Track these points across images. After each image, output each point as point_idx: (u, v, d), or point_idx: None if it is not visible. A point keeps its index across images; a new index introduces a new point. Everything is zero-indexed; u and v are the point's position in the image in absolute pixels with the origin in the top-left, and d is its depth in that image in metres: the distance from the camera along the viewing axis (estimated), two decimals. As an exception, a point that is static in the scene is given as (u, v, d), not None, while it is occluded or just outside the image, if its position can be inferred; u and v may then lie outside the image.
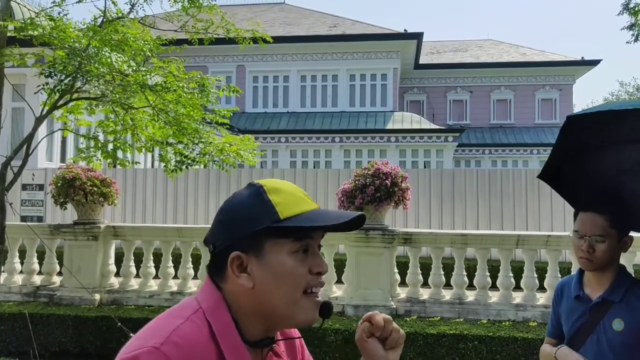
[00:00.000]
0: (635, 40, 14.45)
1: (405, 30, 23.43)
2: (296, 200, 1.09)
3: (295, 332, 1.28)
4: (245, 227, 1.06)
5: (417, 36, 22.96)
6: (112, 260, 7.36)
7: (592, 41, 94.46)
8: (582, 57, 26.20)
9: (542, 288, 6.64)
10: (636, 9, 13.89)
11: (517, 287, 6.66)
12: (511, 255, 6.74)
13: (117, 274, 7.44)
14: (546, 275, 6.48)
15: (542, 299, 6.48)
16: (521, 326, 6.05)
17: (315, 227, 1.06)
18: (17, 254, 7.50)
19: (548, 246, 6.49)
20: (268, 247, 1.06)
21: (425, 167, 20.74)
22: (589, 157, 2.22)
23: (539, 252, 8.10)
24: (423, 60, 26.83)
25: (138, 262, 7.30)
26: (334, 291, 6.90)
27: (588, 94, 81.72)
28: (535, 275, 6.51)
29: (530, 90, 26.90)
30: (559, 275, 6.30)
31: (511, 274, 6.56)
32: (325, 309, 1.12)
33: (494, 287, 6.70)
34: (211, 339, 1.03)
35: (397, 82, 24.29)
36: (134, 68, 5.42)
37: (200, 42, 6.78)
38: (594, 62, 26.10)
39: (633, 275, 2.21)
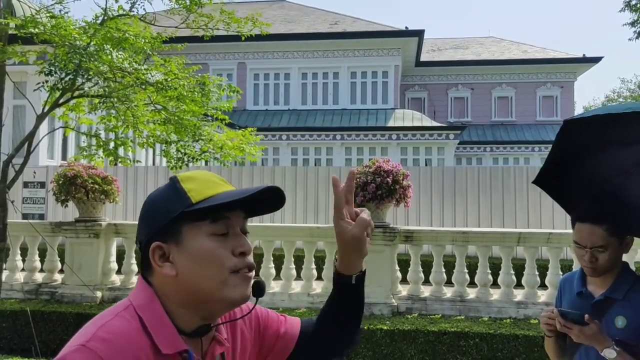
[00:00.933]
0: (638, 37, 14.42)
1: (406, 27, 23.41)
2: (210, 185, 1.10)
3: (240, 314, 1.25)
4: (162, 217, 1.08)
5: (418, 33, 22.92)
6: (113, 257, 7.37)
7: (593, 38, 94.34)
8: (584, 55, 26.16)
9: (543, 285, 6.64)
10: (638, 5, 13.85)
11: (519, 285, 6.65)
12: (512, 252, 6.74)
13: (119, 272, 7.45)
14: (547, 272, 6.47)
15: (544, 296, 6.48)
16: (522, 324, 6.05)
17: (224, 204, 1.06)
18: (19, 252, 7.52)
19: (549, 244, 6.49)
20: (185, 233, 1.07)
21: (426, 164, 20.73)
22: (587, 159, 2.20)
23: (540, 250, 8.10)
24: (424, 57, 26.80)
25: (139, 260, 7.30)
26: (335, 288, 6.89)
27: (589, 91, 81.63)
28: (537, 273, 6.50)
29: (532, 87, 26.86)
30: (560, 273, 6.30)
31: (512, 272, 6.56)
32: (257, 288, 1.13)
33: (495, 284, 6.70)
34: (143, 332, 1.03)
35: (398, 80, 24.27)
36: (134, 66, 5.42)
37: (201, 38, 6.78)
38: (596, 60, 26.06)
39: (636, 273, 2.21)
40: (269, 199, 1.13)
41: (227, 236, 1.08)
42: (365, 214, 1.28)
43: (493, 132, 26.12)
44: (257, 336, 1.29)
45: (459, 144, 23.04)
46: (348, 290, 1.32)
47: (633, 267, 6.25)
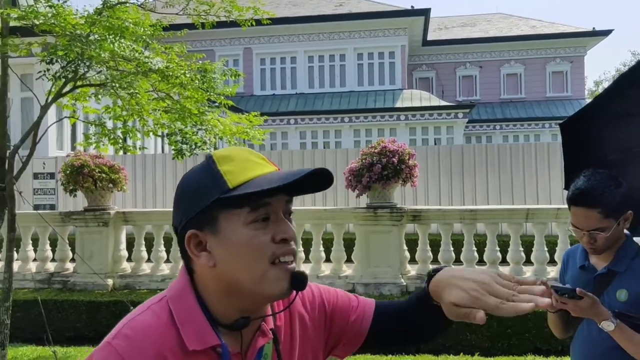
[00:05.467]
0: None
1: (412, 6, 23.13)
2: (248, 166, 1.00)
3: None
4: (197, 202, 0.99)
5: (425, 12, 22.65)
6: (123, 245, 7.43)
7: (603, 11, 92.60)
8: (593, 28, 25.74)
9: (553, 261, 6.61)
10: None
11: (528, 262, 6.63)
12: (521, 229, 6.71)
13: (129, 259, 7.51)
14: (557, 248, 6.44)
15: (553, 272, 6.45)
16: (532, 300, 6.03)
17: (261, 192, 0.95)
18: (31, 242, 7.60)
19: (558, 219, 6.44)
20: (223, 221, 0.98)
21: (435, 144, 20.62)
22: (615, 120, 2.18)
23: (550, 226, 8.05)
24: (431, 36, 26.51)
25: (149, 247, 7.37)
26: (344, 270, 6.93)
27: (600, 66, 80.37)
28: (546, 249, 6.47)
29: (541, 63, 26.51)
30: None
31: (521, 248, 6.53)
32: (297, 279, 1.01)
33: (504, 262, 6.68)
34: (172, 326, 0.98)
35: (406, 60, 24.05)
36: (135, 55, 5.40)
37: (202, 26, 6.74)
38: (605, 33, 25.61)
39: (638, 245, 2.18)
40: (314, 179, 1.01)
41: (268, 222, 0.99)
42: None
43: (502, 109, 25.87)
44: (324, 323, 1.19)
45: (468, 122, 22.86)
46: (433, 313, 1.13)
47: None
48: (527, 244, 7.07)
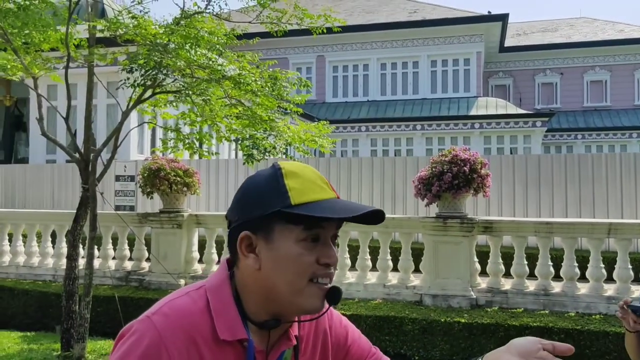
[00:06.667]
0: None
1: (489, 12, 22.58)
2: (312, 188, 1.06)
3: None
4: (258, 208, 1.06)
5: (502, 18, 22.02)
6: (195, 247, 7.66)
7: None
8: (689, 31, 24.06)
9: (638, 280, 6.19)
10: None
11: (610, 279, 6.24)
12: (602, 245, 6.32)
13: (200, 261, 7.73)
14: (642, 266, 6.03)
15: (638, 291, 6.04)
16: (613, 320, 5.67)
17: (322, 218, 1.02)
18: (111, 241, 7.99)
19: (644, 235, 6.03)
20: (277, 232, 1.05)
21: (511, 153, 19.92)
22: None
23: (635, 242, 7.55)
24: (509, 42, 25.72)
25: (220, 249, 7.56)
26: (412, 280, 6.80)
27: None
28: (630, 267, 6.06)
29: (629, 69, 25.05)
30: (657, 267, 5.84)
31: (602, 265, 6.15)
32: (333, 294, 1.08)
33: (583, 278, 6.33)
34: (207, 314, 1.04)
35: (481, 67, 23.44)
36: (208, 63, 5.58)
37: (275, 33, 6.86)
38: (703, 36, 23.88)
39: None
40: (368, 214, 1.08)
41: (317, 243, 1.06)
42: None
43: (585, 118, 24.64)
44: (339, 349, 1.25)
45: (547, 131, 21.95)
46: None
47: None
48: (609, 260, 6.66)
